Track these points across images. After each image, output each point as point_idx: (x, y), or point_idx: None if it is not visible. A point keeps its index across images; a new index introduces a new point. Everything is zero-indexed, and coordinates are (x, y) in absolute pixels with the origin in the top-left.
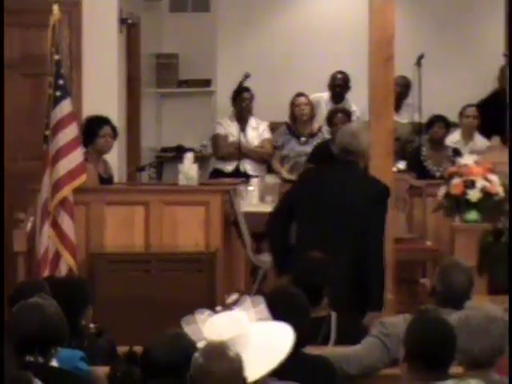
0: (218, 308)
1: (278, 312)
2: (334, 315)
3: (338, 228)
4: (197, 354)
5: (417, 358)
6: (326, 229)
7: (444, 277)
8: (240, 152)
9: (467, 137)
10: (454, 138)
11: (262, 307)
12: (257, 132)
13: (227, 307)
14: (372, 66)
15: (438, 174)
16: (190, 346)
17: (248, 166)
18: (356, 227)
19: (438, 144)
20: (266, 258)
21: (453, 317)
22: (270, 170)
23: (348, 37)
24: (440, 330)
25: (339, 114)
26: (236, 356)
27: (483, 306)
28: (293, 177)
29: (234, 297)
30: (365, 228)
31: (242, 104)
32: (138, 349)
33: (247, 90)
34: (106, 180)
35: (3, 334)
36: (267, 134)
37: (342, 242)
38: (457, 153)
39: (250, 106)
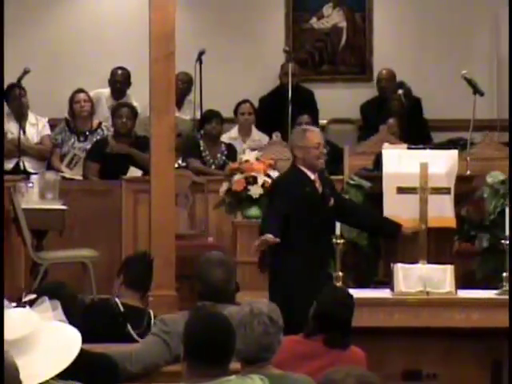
0: (12, 304)
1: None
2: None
3: None
4: None
5: (195, 354)
6: None
7: (201, 273)
8: (19, 149)
9: (244, 133)
10: (231, 135)
11: (60, 311)
12: (36, 128)
13: (22, 305)
14: (153, 61)
15: (213, 167)
16: None
17: (28, 163)
18: None
19: (213, 139)
20: (46, 255)
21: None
22: (50, 166)
23: (129, 32)
24: (216, 326)
25: (124, 108)
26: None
27: (254, 301)
28: (73, 173)
29: (31, 296)
30: None
31: (15, 101)
32: None
33: (17, 86)
34: None
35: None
36: (47, 131)
37: None
38: (230, 149)
39: (25, 102)
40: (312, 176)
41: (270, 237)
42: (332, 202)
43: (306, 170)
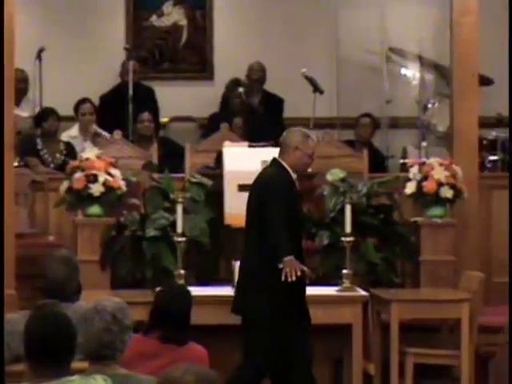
0: None
1: None
2: None
3: None
4: None
5: (35, 354)
6: None
7: (43, 270)
8: None
9: (85, 132)
10: (71, 133)
11: None
12: None
13: None
14: None
15: (52, 166)
16: None
17: None
18: None
19: (51, 137)
20: None
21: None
22: None
23: None
24: (55, 325)
25: None
26: None
27: (104, 298)
28: None
29: None
30: None
31: None
32: None
33: None
34: None
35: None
36: None
37: None
38: (69, 147)
39: None
40: (293, 176)
41: (301, 266)
42: None
43: (289, 170)
